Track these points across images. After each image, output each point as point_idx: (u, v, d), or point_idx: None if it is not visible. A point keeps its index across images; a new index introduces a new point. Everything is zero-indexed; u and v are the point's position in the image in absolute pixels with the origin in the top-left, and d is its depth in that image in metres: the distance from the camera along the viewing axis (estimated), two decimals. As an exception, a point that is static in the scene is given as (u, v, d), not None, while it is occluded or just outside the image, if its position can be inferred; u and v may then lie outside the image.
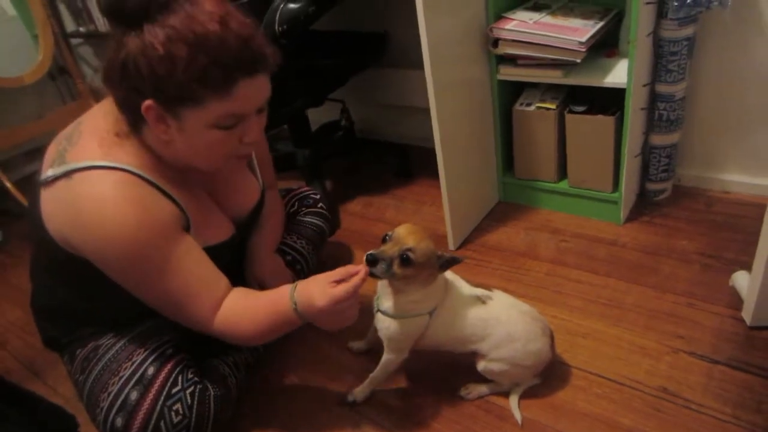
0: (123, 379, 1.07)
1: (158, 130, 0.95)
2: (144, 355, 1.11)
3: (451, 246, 1.67)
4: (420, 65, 1.38)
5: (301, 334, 1.44)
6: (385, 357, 1.15)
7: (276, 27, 1.51)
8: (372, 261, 0.97)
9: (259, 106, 1.00)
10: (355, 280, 0.96)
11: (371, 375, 1.19)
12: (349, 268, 0.98)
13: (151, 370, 1.08)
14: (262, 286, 1.28)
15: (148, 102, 0.91)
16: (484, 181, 1.78)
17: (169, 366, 1.10)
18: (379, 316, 1.11)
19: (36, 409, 0.80)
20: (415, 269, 0.99)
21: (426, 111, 1.45)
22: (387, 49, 2.00)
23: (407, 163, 2.14)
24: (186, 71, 0.88)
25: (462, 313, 1.11)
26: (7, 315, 1.74)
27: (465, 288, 1.14)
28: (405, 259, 0.97)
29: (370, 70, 2.07)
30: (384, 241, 1.01)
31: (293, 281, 1.06)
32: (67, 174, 0.96)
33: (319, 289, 0.97)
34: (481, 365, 1.14)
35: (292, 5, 1.51)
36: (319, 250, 1.53)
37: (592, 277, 1.47)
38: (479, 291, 1.13)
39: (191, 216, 1.06)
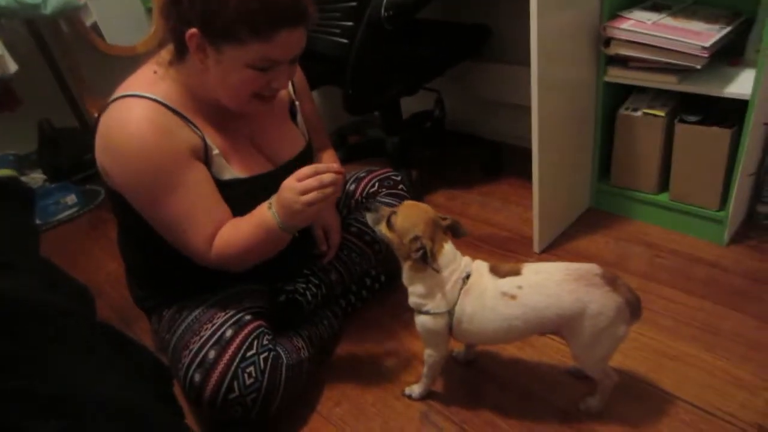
0: (203, 339, 1.13)
1: (196, 57, 1.03)
2: (224, 319, 1.16)
3: (536, 249, 1.62)
4: (520, 61, 1.35)
5: (379, 321, 1.45)
6: (425, 351, 1.15)
7: (382, 11, 1.51)
8: (368, 208, 1.10)
9: (294, 56, 1.07)
10: (323, 177, 1.01)
11: (422, 373, 1.19)
12: (318, 167, 1.03)
13: (229, 333, 1.13)
14: (325, 232, 1.36)
15: (192, 30, 0.99)
16: (576, 185, 1.72)
17: (246, 330, 1.14)
18: None
19: (138, 358, 0.85)
20: (395, 236, 1.05)
21: (522, 108, 1.41)
22: (487, 43, 1.96)
23: (497, 160, 2.10)
24: (236, 11, 0.96)
25: (493, 311, 1.03)
26: (106, 267, 1.88)
27: (491, 284, 1.04)
28: (389, 221, 1.06)
29: (468, 62, 2.04)
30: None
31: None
32: (107, 106, 1.07)
33: (288, 186, 1.03)
34: (574, 357, 1.07)
35: (401, -9, 1.49)
36: None
37: (687, 298, 1.39)
38: (505, 285, 1.03)
39: (221, 148, 1.13)
